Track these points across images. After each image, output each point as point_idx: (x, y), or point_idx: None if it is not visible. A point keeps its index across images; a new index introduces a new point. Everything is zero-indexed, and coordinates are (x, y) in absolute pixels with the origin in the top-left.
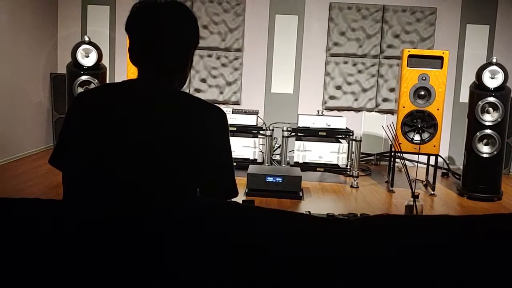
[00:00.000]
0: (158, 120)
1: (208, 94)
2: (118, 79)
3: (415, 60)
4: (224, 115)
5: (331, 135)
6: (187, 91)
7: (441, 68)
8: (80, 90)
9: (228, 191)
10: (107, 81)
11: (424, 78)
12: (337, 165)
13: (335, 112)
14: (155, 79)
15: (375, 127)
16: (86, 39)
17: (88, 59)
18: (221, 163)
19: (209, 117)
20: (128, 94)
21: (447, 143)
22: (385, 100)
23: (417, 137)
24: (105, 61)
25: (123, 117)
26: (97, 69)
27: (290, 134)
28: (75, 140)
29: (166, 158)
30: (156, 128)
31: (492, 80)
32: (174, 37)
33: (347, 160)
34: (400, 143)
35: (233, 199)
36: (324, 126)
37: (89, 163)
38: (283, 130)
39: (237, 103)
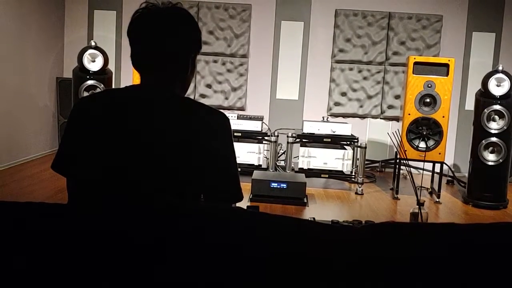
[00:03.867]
0: (160, 125)
1: (213, 100)
2: (124, 84)
3: (421, 67)
4: (227, 119)
5: (336, 141)
6: (193, 96)
7: (446, 76)
8: (86, 94)
9: (232, 196)
10: (113, 86)
11: (429, 85)
12: (342, 171)
13: (340, 119)
14: (157, 85)
15: (380, 134)
16: (93, 43)
17: (94, 64)
18: (225, 168)
19: (211, 122)
20: (130, 99)
21: (453, 151)
22: (390, 107)
23: (422, 144)
24: (111, 66)
25: (125, 122)
26: (103, 74)
27: (295, 140)
28: (77, 145)
29: (169, 162)
30: (158, 133)
31: (498, 88)
32: (175, 42)
33: (352, 167)
34: (405, 150)
35: (237, 205)
36: (329, 132)
37: (92, 168)
38: (288, 136)
39: (242, 108)
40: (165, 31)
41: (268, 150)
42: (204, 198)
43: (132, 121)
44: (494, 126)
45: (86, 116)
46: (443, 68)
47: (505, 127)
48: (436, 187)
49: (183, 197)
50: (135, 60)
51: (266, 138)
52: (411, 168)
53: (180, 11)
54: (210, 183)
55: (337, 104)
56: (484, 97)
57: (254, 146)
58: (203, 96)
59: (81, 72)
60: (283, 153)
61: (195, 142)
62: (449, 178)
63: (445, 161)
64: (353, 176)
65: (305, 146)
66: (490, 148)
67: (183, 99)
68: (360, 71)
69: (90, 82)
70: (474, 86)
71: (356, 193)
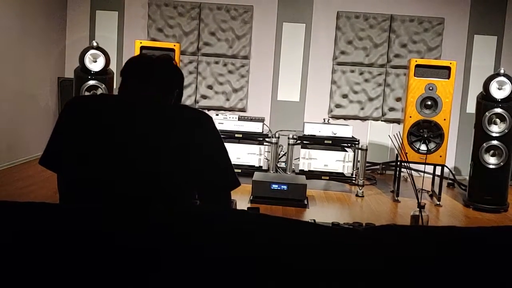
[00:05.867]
0: (148, 126)
1: (214, 101)
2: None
3: (422, 70)
4: (208, 115)
5: (337, 143)
6: (194, 97)
7: (448, 78)
8: (86, 94)
9: (228, 182)
10: (114, 86)
11: (431, 88)
12: (342, 173)
13: (341, 121)
14: (144, 91)
15: (381, 136)
16: (94, 44)
17: (95, 64)
18: (216, 156)
19: (195, 117)
20: (119, 102)
21: (453, 154)
22: (391, 109)
23: (423, 147)
24: (113, 66)
25: (115, 123)
26: (105, 74)
27: (296, 142)
28: (66, 142)
29: (158, 160)
30: (146, 134)
31: (500, 91)
32: (158, 82)
33: (353, 169)
34: (406, 153)
35: (237, 207)
36: (330, 134)
37: (81, 165)
38: (288, 138)
39: (243, 110)
40: (152, 72)
41: (269, 152)
42: (202, 188)
43: (120, 123)
44: (495, 129)
45: (77, 115)
46: (444, 71)
47: (506, 131)
48: (436, 189)
49: (177, 194)
50: (123, 89)
51: (267, 139)
52: (412, 171)
53: (167, 61)
54: (205, 173)
55: (338, 106)
56: (486, 100)
57: (254, 148)
58: (204, 97)
59: (83, 72)
60: (284, 154)
61: (182, 137)
62: (450, 181)
63: (446, 164)
64: (354, 178)
65: (306, 147)
66: (491, 151)
67: (168, 103)
68: (361, 73)
69: (91, 82)
70: (475, 89)
71: (357, 195)
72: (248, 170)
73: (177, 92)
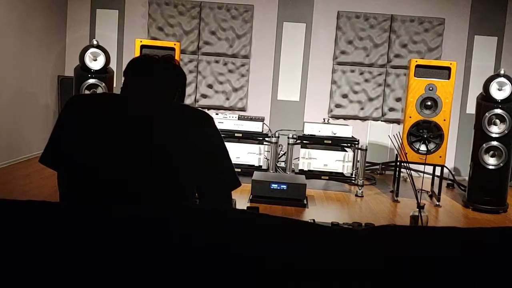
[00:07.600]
0: (149, 123)
1: (214, 100)
2: None
3: (423, 70)
4: (209, 115)
5: (336, 143)
6: (194, 96)
7: (448, 79)
8: (87, 93)
9: (229, 182)
10: (114, 85)
11: (431, 89)
12: (342, 173)
13: (341, 121)
14: (145, 90)
15: (381, 136)
16: (94, 42)
17: (96, 63)
18: (217, 155)
19: (195, 116)
20: (120, 100)
21: (453, 154)
22: (391, 109)
23: (423, 147)
24: (113, 65)
25: (116, 120)
26: (105, 73)
27: (296, 141)
28: (67, 141)
29: (158, 157)
30: (147, 130)
31: (500, 91)
32: (160, 81)
33: (352, 169)
34: (406, 153)
35: (237, 207)
36: (330, 134)
37: (81, 164)
38: (288, 138)
39: (243, 109)
40: (154, 72)
41: (269, 151)
42: (203, 187)
43: (121, 122)
44: (495, 130)
45: (79, 112)
46: (444, 71)
47: (506, 131)
48: (436, 190)
49: (177, 192)
50: (124, 88)
51: (266, 139)
52: (411, 171)
53: (170, 61)
54: (205, 172)
55: (338, 106)
56: (485, 100)
57: (254, 147)
58: (204, 96)
59: (83, 70)
60: (284, 154)
61: (183, 136)
62: (450, 182)
63: (445, 165)
64: (353, 178)
65: (306, 147)
66: (491, 152)
67: (169, 101)
68: (361, 73)
69: (91, 80)
70: (475, 90)
71: (356, 195)
72: (248, 170)
73: (179, 92)
